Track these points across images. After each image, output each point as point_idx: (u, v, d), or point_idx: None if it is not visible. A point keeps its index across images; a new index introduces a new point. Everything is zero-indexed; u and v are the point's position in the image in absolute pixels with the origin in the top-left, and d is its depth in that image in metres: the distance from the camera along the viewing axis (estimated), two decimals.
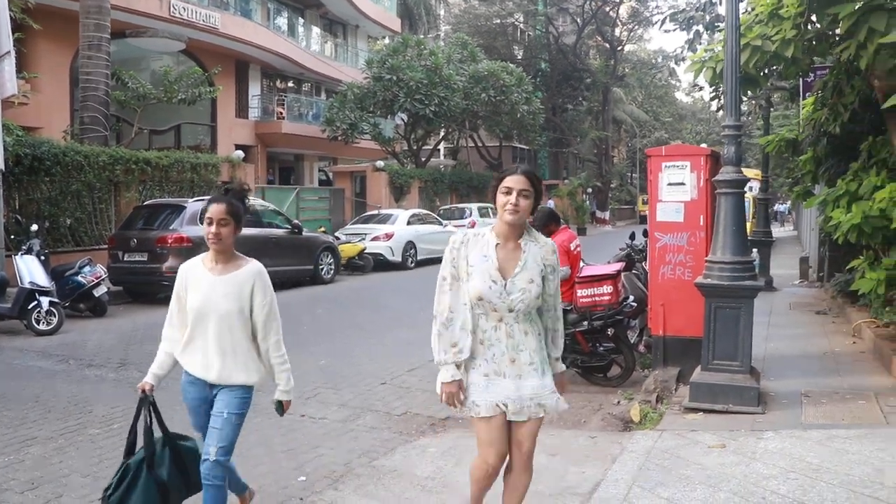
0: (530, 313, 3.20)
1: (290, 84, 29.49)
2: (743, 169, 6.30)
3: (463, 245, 3.23)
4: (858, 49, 6.34)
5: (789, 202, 41.87)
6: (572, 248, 6.92)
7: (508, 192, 3.12)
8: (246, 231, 13.92)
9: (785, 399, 5.87)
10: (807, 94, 12.38)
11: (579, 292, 6.86)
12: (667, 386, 6.33)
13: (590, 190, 45.78)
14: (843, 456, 4.57)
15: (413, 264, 19.54)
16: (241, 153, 20.66)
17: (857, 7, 6.19)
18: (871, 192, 7.92)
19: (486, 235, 3.24)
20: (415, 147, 30.74)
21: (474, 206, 26.28)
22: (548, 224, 7.03)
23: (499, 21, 43.45)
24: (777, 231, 31.20)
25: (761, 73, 7.75)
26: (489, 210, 26.55)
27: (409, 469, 4.81)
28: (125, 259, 12.83)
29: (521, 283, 3.13)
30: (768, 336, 8.60)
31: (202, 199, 13.73)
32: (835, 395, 5.98)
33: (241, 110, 25.61)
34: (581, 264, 7.45)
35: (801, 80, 12.20)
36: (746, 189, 7.39)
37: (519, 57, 44.01)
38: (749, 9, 7.92)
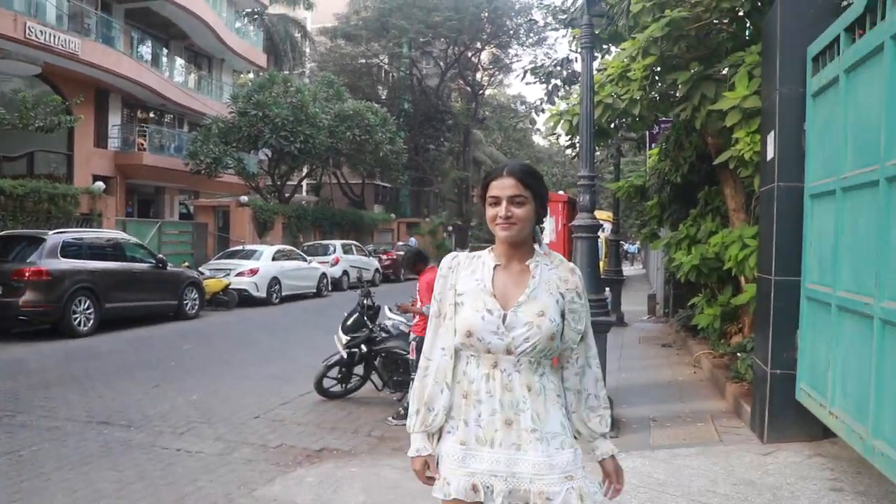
0: (540, 363, 2.31)
1: (152, 115, 28.73)
2: (596, 212, 6.93)
3: (451, 271, 2.43)
4: (693, 111, 7.15)
5: (639, 242, 44.43)
6: None
7: (496, 202, 2.33)
8: (107, 264, 13.68)
9: (636, 424, 6.45)
10: (652, 145, 13.50)
11: None
12: None
13: (450, 228, 46.82)
14: (685, 471, 5.13)
15: (278, 300, 19.52)
16: (101, 185, 20.01)
17: (692, 73, 7.01)
18: (708, 236, 8.81)
19: (482, 257, 2.44)
20: (279, 182, 30.63)
21: (338, 242, 26.47)
22: (416, 264, 7.36)
23: (364, 61, 44.08)
24: (627, 269, 33.07)
25: (612, 126, 8.50)
26: (353, 247, 26.78)
27: (290, 498, 4.97)
28: None
29: (526, 315, 2.29)
30: (620, 367, 9.29)
31: (63, 232, 13.27)
32: (678, 419, 6.63)
33: (101, 140, 24.73)
34: None
35: (647, 132, 13.27)
36: (599, 232, 8.08)
37: (383, 97, 44.75)
38: (602, 68, 8.69)
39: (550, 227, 7.23)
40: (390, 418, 7.16)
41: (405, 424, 6.94)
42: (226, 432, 6.70)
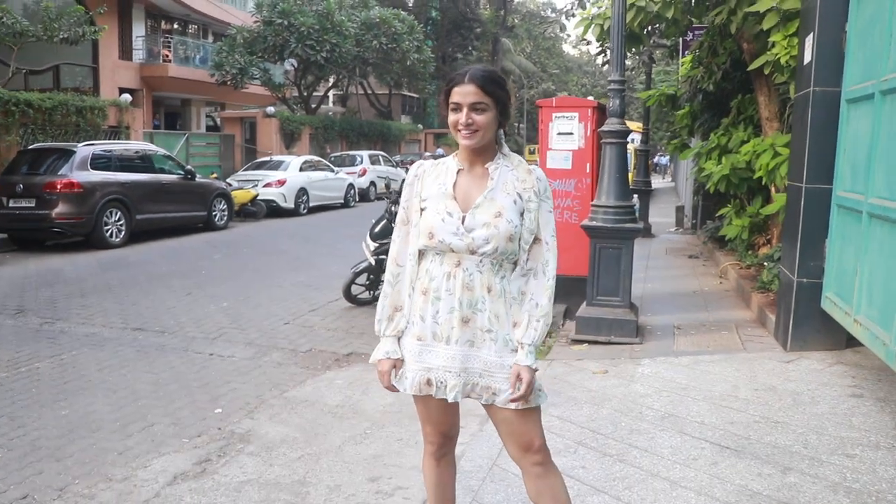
0: (502, 265, 2.36)
1: (176, 26, 28.44)
2: (626, 121, 6.82)
3: (417, 179, 2.47)
4: (729, 14, 6.91)
5: (669, 155, 43.77)
6: None
7: (457, 107, 2.31)
8: (137, 176, 13.81)
9: (660, 331, 6.50)
10: (685, 53, 13.13)
11: None
12: (555, 321, 6.87)
13: None
14: (707, 376, 5.20)
15: (305, 211, 19.61)
16: (128, 97, 19.97)
17: None
18: (739, 145, 8.65)
19: (447, 162, 2.46)
20: (305, 94, 30.39)
21: (365, 153, 26.36)
22: None
23: None
24: (657, 182, 32.74)
25: (644, 32, 8.27)
26: (380, 158, 26.68)
27: (320, 399, 5.12)
28: (10, 205, 12.39)
29: (484, 216, 2.32)
30: (646, 277, 9.31)
31: (92, 144, 13.35)
32: (702, 327, 6.66)
33: (125, 52, 24.61)
34: None
35: (680, 39, 12.90)
36: (629, 140, 7.95)
37: (410, 4, 43.78)
38: None
39: (579, 134, 7.11)
40: None
41: None
42: (256, 338, 6.86)
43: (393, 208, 8.02)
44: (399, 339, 2.45)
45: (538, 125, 7.51)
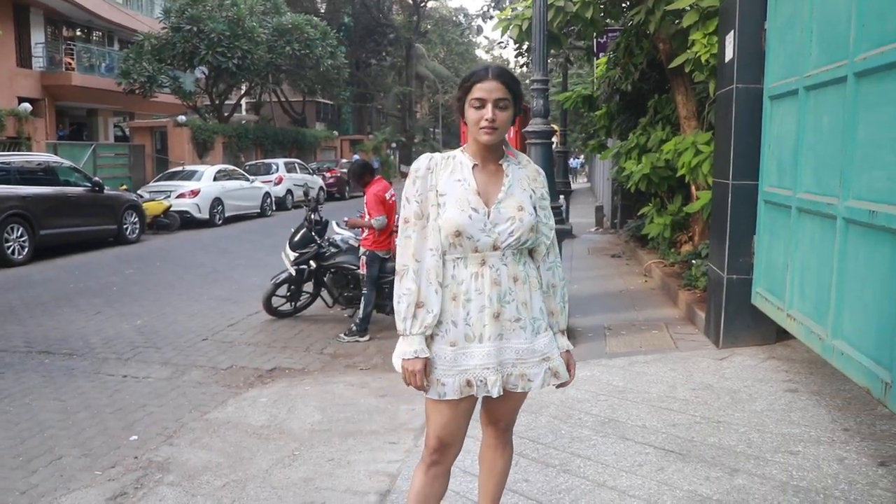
0: (522, 254, 2.42)
1: (79, 32, 27.29)
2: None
3: (430, 172, 2.40)
4: (647, 14, 6.90)
5: (582, 157, 44.49)
6: (388, 198, 7.04)
7: (481, 104, 2.30)
8: (40, 189, 13.01)
9: (591, 333, 6.41)
10: (600, 54, 13.24)
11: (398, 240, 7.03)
12: None
13: (394, 145, 46.22)
14: (643, 377, 5.11)
15: (221, 221, 19.06)
16: (28, 106, 18.99)
17: None
18: (658, 145, 8.69)
19: (457, 157, 2.44)
20: (217, 101, 29.59)
21: (280, 161, 25.83)
22: (363, 175, 7.13)
23: None
24: (572, 184, 33.17)
25: (562, 32, 8.21)
26: (296, 165, 26.18)
27: (243, 419, 4.81)
28: None
29: (508, 210, 2.35)
30: (572, 278, 9.26)
31: None
32: (632, 327, 6.61)
33: (24, 59, 23.43)
34: (397, 214, 7.63)
35: (595, 41, 12.98)
36: (551, 142, 7.88)
37: (322, 10, 43.31)
38: None
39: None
40: (342, 335, 7.01)
41: (357, 341, 6.92)
42: (173, 356, 6.48)
43: (312, 216, 7.75)
44: (426, 337, 2.38)
45: (460, 128, 7.34)
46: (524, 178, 2.44)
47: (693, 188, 8.27)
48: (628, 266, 10.40)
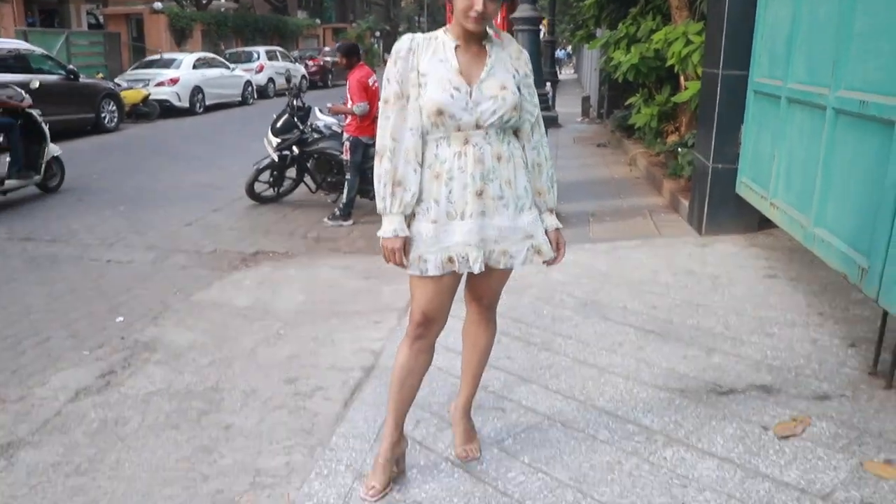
0: (506, 133, 2.40)
1: None
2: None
3: (411, 53, 2.36)
4: None
5: (569, 47, 43.62)
6: (371, 84, 6.89)
7: None
8: (11, 77, 12.46)
9: (574, 219, 6.44)
10: None
11: None
12: None
13: (378, 34, 45.00)
14: (626, 262, 5.18)
15: (202, 109, 18.72)
16: None
17: None
18: (648, 35, 8.52)
19: (440, 38, 2.40)
20: None
21: (262, 49, 25.11)
22: (350, 56, 6.96)
23: None
24: (559, 74, 32.62)
25: None
26: (277, 53, 25.50)
27: (228, 301, 4.85)
28: None
29: (490, 89, 2.33)
30: (557, 167, 9.19)
31: None
32: (617, 214, 6.65)
33: None
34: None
35: None
36: (539, 29, 7.68)
37: None
38: None
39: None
40: (326, 219, 7.01)
41: (341, 225, 6.94)
42: (157, 241, 6.46)
43: (295, 101, 7.61)
44: (406, 216, 2.38)
45: (447, 13, 7.13)
46: (507, 58, 2.42)
47: (682, 79, 8.14)
48: (614, 156, 10.36)
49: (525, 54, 2.48)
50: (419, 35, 2.43)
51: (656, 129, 9.21)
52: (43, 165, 8.36)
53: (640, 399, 3.19)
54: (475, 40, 2.38)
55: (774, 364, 3.48)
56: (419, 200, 2.37)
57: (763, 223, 5.56)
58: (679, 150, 7.48)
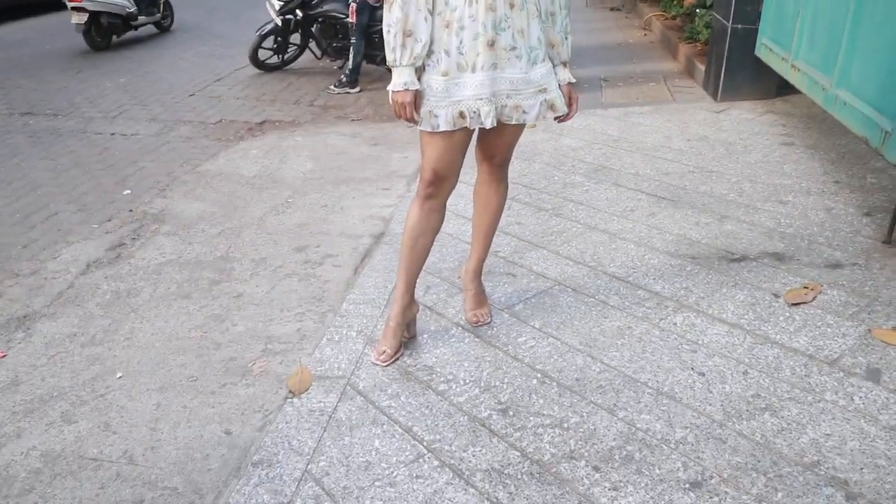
0: None
1: None
2: None
3: None
4: None
5: None
6: None
7: None
8: None
9: (586, 83, 6.26)
10: None
11: None
12: None
13: None
14: (638, 128, 5.06)
15: None
16: None
17: None
18: None
19: None
20: None
21: None
22: None
23: None
24: None
25: None
26: None
27: (235, 171, 4.80)
28: None
29: None
30: None
31: None
32: (629, 80, 6.46)
33: None
34: None
35: None
36: None
37: None
38: None
39: None
40: (332, 86, 6.84)
41: (348, 92, 6.81)
42: (161, 112, 6.34)
43: None
44: (416, 69, 2.27)
45: None
46: None
47: None
48: (627, 19, 9.99)
49: None
50: None
51: None
52: (162, 3, 10.08)
53: (651, 265, 3.18)
54: None
55: (787, 232, 3.44)
56: (429, 52, 2.26)
57: (782, 89, 5.39)
58: (697, 11, 7.17)
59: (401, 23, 2.19)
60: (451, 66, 2.25)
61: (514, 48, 2.25)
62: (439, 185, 2.43)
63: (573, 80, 2.44)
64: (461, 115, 2.27)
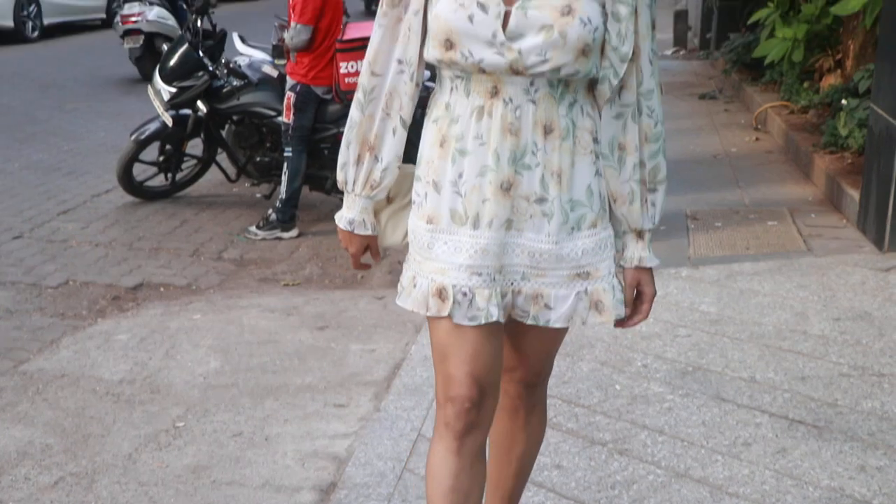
0: (568, 86, 2.19)
1: None
2: None
3: None
4: None
5: None
6: None
7: None
8: None
9: (665, 225, 6.39)
10: None
11: (344, 67, 6.84)
12: None
13: None
14: (752, 300, 5.16)
15: (37, 33, 18.98)
16: None
17: None
18: None
19: None
20: None
21: None
22: None
23: None
24: None
25: None
26: None
27: (89, 371, 4.84)
28: None
29: (541, 13, 2.09)
30: None
31: None
32: (734, 216, 6.64)
33: None
34: (344, 19, 7.43)
35: None
36: None
37: None
38: None
39: None
40: (254, 228, 7.03)
41: (279, 237, 6.96)
42: None
43: (198, 21, 7.59)
44: (374, 199, 2.38)
45: None
46: None
47: None
48: (728, 113, 10.37)
49: None
50: None
51: (802, 66, 9.19)
52: None
53: None
54: None
55: None
56: (416, 177, 2.32)
57: None
58: (843, 101, 7.44)
59: (359, 128, 2.32)
60: (439, 209, 2.26)
61: (542, 199, 2.21)
62: (478, 405, 2.33)
63: (650, 262, 2.39)
64: (440, 292, 2.24)
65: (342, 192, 2.36)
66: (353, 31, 6.97)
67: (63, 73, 14.88)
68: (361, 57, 6.74)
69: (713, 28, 14.22)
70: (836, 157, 7.15)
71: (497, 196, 2.18)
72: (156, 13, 10.22)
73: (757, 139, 9.05)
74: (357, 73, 6.59)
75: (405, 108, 2.28)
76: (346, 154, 2.32)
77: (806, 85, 9.15)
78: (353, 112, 2.31)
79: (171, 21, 11.57)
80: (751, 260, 5.77)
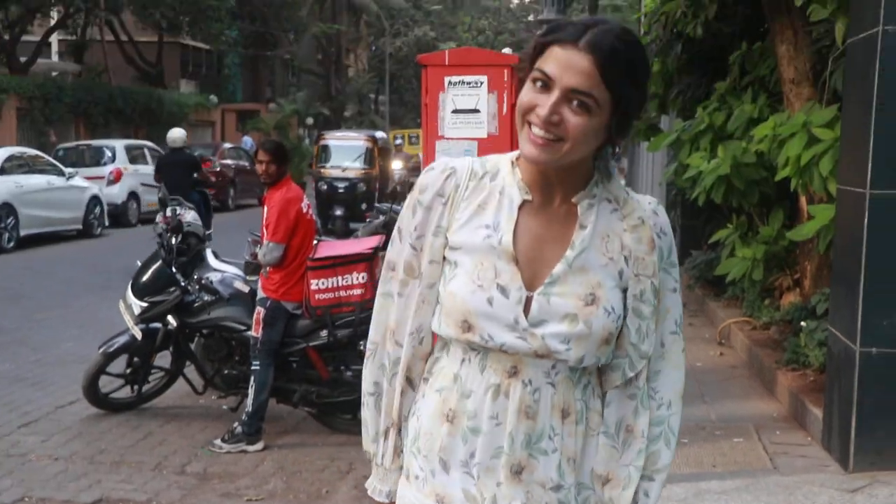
0: (584, 369, 2.10)
1: None
2: None
3: (441, 200, 2.15)
4: None
5: (618, 147, 44.86)
6: (303, 211, 6.99)
7: (544, 83, 1.95)
8: None
9: None
10: None
11: (315, 284, 6.95)
12: None
13: (311, 121, 46.24)
14: None
15: (12, 244, 18.97)
16: None
17: None
18: (746, 126, 8.69)
19: (502, 174, 2.13)
20: (6, 38, 29.44)
21: (119, 144, 25.68)
22: (282, 161, 7.14)
23: None
24: None
25: None
26: (146, 152, 25.97)
27: None
28: None
29: (567, 300, 2.04)
30: None
31: None
32: (700, 432, 6.61)
33: None
34: (317, 236, 7.55)
35: None
36: None
37: None
38: None
39: (490, 112, 6.90)
40: (219, 441, 6.94)
41: (244, 451, 6.85)
42: None
43: (173, 239, 7.67)
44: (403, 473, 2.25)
45: (421, 97, 7.29)
46: (615, 231, 2.09)
47: (802, 200, 8.29)
48: (693, 327, 10.43)
49: (662, 232, 2.13)
50: (466, 162, 2.17)
51: (762, 284, 9.29)
52: None
53: None
54: (560, 190, 2.09)
55: None
56: (413, 450, 2.19)
57: None
58: (802, 322, 7.51)
59: (389, 398, 2.23)
60: (450, 489, 2.14)
61: (559, 487, 2.10)
62: None
63: None
64: None
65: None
66: (324, 250, 7.16)
67: (35, 283, 14.91)
68: (332, 275, 6.93)
69: (678, 244, 14.34)
70: (799, 375, 7.18)
71: (508, 480, 2.07)
72: (192, 216, 10.37)
73: (721, 354, 9.10)
74: (328, 290, 6.77)
75: (421, 371, 2.20)
76: (377, 423, 2.25)
77: (767, 302, 9.25)
78: (378, 377, 2.23)
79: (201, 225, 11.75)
80: (717, 478, 5.71)
